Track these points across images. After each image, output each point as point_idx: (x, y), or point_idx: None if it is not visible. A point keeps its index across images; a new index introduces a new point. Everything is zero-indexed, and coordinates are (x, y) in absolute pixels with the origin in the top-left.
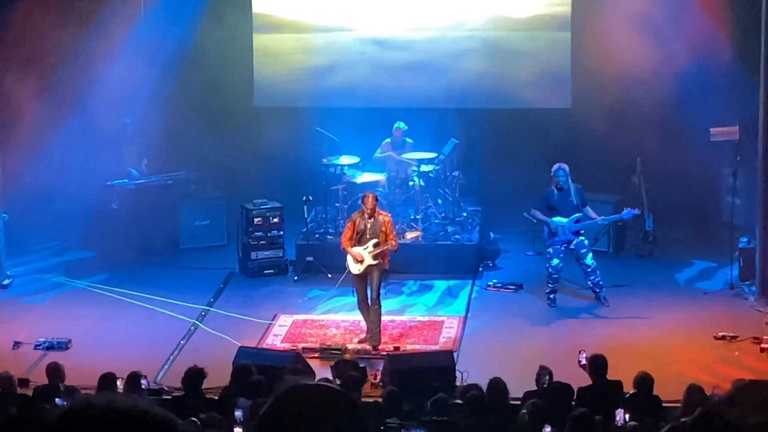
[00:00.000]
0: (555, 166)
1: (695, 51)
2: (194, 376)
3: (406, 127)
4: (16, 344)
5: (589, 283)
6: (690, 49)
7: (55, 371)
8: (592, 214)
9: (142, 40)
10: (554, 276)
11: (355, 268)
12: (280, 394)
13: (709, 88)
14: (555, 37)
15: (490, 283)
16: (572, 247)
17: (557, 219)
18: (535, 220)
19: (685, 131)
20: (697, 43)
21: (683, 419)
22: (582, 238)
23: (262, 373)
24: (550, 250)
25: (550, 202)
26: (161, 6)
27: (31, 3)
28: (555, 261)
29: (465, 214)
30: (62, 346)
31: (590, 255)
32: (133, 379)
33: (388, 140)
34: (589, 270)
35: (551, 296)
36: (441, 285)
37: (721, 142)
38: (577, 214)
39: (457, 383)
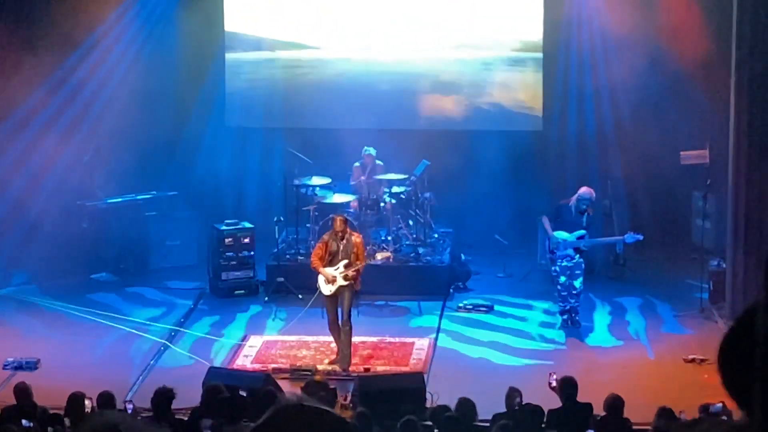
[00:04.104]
0: (585, 191)
1: (666, 73)
2: (163, 396)
3: (375, 152)
4: None
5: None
6: (660, 72)
7: (23, 391)
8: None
9: (117, 60)
10: (563, 294)
11: (327, 289)
12: (278, 409)
13: (679, 111)
14: (526, 59)
15: (461, 304)
16: (570, 264)
17: (559, 233)
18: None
19: (656, 154)
20: (667, 65)
21: None
22: (582, 260)
23: (231, 394)
24: (557, 268)
25: (563, 215)
26: (136, 26)
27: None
28: (562, 279)
29: (436, 236)
30: (31, 366)
31: (581, 279)
32: (104, 399)
33: (358, 164)
34: (574, 292)
35: (564, 316)
36: (412, 306)
37: (691, 165)
38: (580, 231)
39: (427, 405)
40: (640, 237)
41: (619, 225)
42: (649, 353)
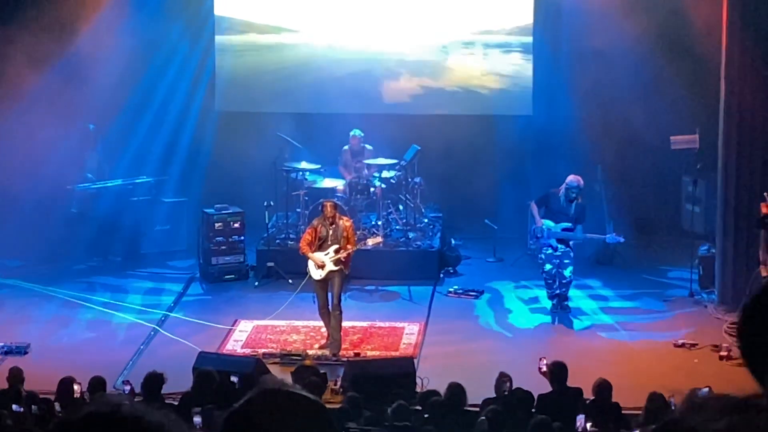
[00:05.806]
0: (573, 179)
1: (656, 58)
2: (153, 381)
3: (362, 134)
4: None
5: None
6: (650, 56)
7: (14, 376)
8: (580, 234)
9: (106, 44)
10: (548, 281)
11: (317, 274)
12: (255, 394)
13: (669, 95)
14: (517, 44)
15: (451, 289)
16: (557, 254)
17: (546, 222)
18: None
19: (646, 139)
20: (657, 49)
21: (652, 427)
22: (569, 250)
23: (222, 379)
24: (542, 255)
25: (551, 204)
26: (125, 10)
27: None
28: (547, 266)
29: (426, 221)
30: (21, 350)
31: (570, 269)
32: (95, 383)
33: (347, 147)
34: (563, 281)
35: (553, 300)
36: (402, 291)
37: (681, 150)
38: (566, 224)
39: (418, 390)
40: (621, 239)
41: (609, 210)
42: (638, 338)
